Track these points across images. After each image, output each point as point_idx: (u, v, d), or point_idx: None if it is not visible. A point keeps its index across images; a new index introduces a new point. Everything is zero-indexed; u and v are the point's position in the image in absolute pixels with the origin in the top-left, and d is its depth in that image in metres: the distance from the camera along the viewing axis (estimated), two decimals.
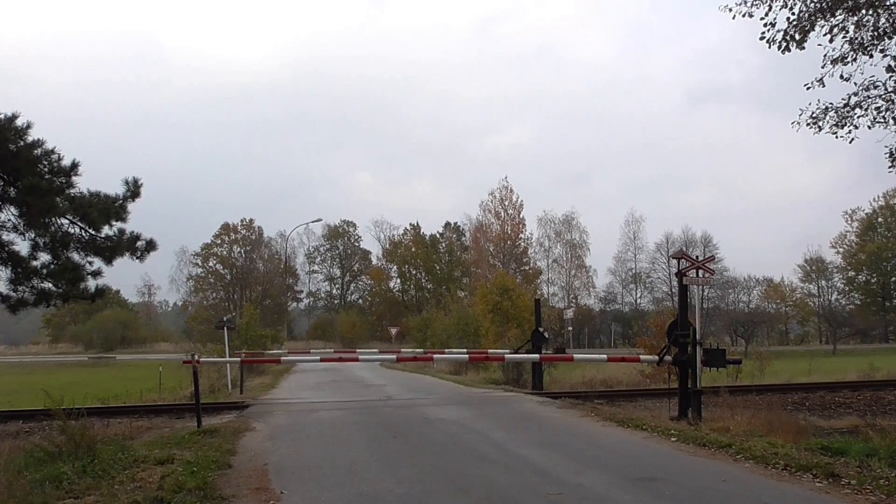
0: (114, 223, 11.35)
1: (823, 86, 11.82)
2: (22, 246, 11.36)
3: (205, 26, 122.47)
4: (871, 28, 11.28)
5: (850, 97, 11.76)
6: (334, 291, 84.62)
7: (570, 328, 48.81)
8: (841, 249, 72.52)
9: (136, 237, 11.65)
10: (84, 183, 11.35)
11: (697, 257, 14.46)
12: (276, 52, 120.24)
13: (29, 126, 10.80)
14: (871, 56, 11.41)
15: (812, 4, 11.14)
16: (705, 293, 61.86)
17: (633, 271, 76.21)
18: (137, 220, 11.81)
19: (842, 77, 11.62)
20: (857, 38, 11.35)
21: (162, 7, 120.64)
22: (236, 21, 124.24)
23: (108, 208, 11.17)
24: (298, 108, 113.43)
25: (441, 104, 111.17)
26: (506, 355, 18.79)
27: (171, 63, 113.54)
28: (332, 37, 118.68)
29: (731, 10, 11.73)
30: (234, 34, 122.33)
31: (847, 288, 73.13)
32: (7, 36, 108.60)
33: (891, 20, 11.23)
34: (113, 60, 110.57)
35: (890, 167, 11.85)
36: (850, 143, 11.88)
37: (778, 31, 11.37)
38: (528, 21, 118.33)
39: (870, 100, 11.65)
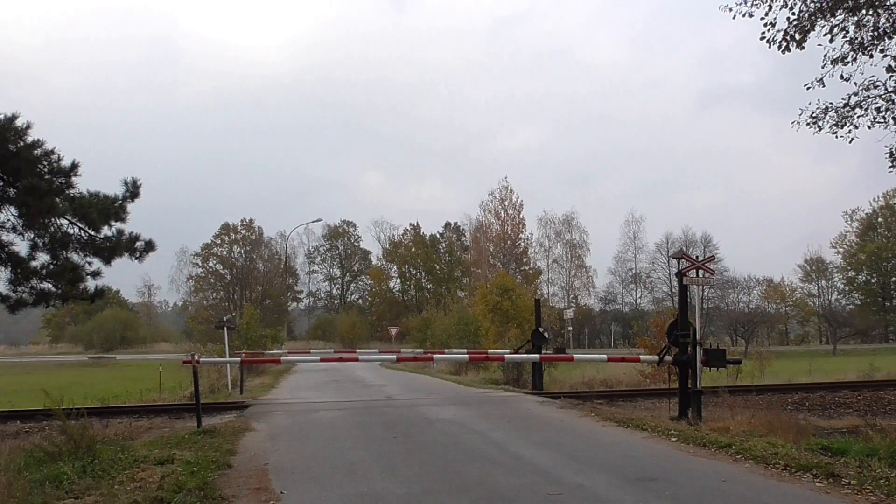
0: (113, 223, 11.33)
1: (823, 86, 11.83)
2: (21, 246, 11.34)
3: (217, 29, 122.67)
4: (871, 28, 11.29)
5: (850, 97, 11.77)
6: (334, 291, 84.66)
7: (570, 328, 48.80)
8: (841, 249, 72.57)
9: (135, 238, 11.62)
10: (87, 184, 11.34)
11: (697, 257, 14.46)
12: (290, 54, 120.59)
13: (29, 126, 10.77)
14: (871, 56, 11.41)
15: (812, 4, 11.14)
16: (705, 293, 61.87)
17: (633, 271, 76.26)
18: (137, 220, 11.81)
19: (842, 77, 11.62)
20: (857, 38, 11.35)
21: (174, 10, 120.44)
22: (249, 23, 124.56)
23: (107, 209, 11.14)
24: (309, 111, 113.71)
25: (451, 107, 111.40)
26: (506, 355, 18.78)
27: (181, 66, 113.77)
28: (345, 41, 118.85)
29: (731, 9, 11.74)
30: (246, 36, 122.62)
31: (847, 288, 73.12)
32: (21, 42, 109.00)
33: (891, 20, 11.23)
34: (122, 63, 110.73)
35: (890, 167, 11.85)
36: (850, 142, 11.89)
37: (778, 31, 11.38)
38: (540, 25, 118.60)
39: (870, 100, 11.66)
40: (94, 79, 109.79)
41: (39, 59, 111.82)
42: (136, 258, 11.72)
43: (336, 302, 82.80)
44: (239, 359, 19.78)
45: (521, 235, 66.09)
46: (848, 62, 11.49)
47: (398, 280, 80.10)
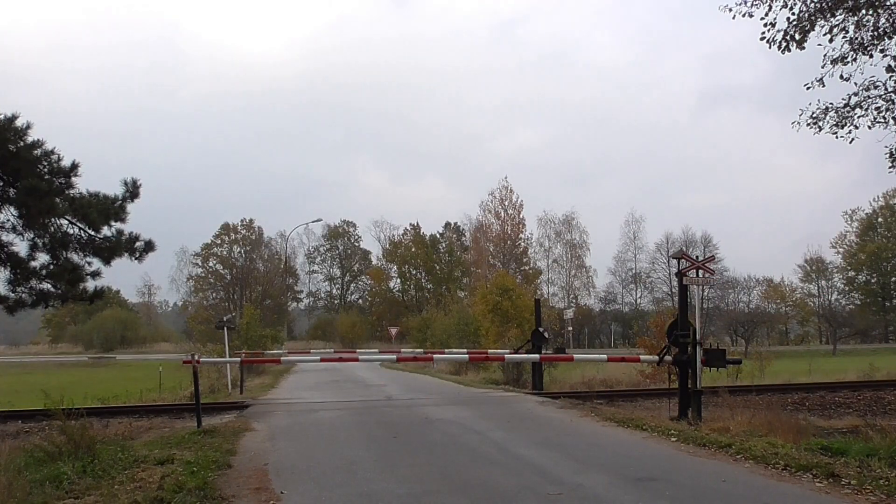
0: (113, 224, 11.33)
1: (823, 86, 11.83)
2: (21, 246, 11.34)
3: (219, 32, 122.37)
4: (871, 28, 11.29)
5: (850, 97, 11.77)
6: (334, 291, 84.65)
7: (570, 328, 48.76)
8: (841, 249, 72.59)
9: (135, 238, 11.62)
10: (87, 185, 11.34)
11: (697, 257, 14.46)
12: (292, 56, 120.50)
13: (29, 126, 10.77)
14: (871, 56, 11.42)
15: (812, 4, 11.14)
16: (705, 293, 61.87)
17: (633, 271, 76.24)
18: (137, 220, 11.81)
19: (842, 77, 11.62)
20: (857, 38, 11.35)
21: (176, 14, 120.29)
22: (251, 26, 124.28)
23: (107, 209, 11.14)
24: (310, 113, 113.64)
25: (452, 107, 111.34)
26: (506, 355, 18.79)
27: (183, 69, 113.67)
28: (346, 44, 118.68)
29: (731, 9, 11.75)
30: (248, 39, 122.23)
31: (847, 288, 73.13)
32: (22, 44, 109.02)
33: (891, 20, 11.23)
34: (124, 66, 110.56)
35: (890, 167, 11.86)
36: (851, 143, 11.90)
37: (778, 31, 11.39)
38: (540, 26, 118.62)
39: (870, 100, 11.66)
40: (96, 81, 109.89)
41: (40, 61, 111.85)
42: (136, 258, 11.72)
43: (336, 302, 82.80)
44: (239, 359, 19.80)
45: (521, 235, 66.19)
46: (848, 62, 11.49)
47: (398, 280, 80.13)
